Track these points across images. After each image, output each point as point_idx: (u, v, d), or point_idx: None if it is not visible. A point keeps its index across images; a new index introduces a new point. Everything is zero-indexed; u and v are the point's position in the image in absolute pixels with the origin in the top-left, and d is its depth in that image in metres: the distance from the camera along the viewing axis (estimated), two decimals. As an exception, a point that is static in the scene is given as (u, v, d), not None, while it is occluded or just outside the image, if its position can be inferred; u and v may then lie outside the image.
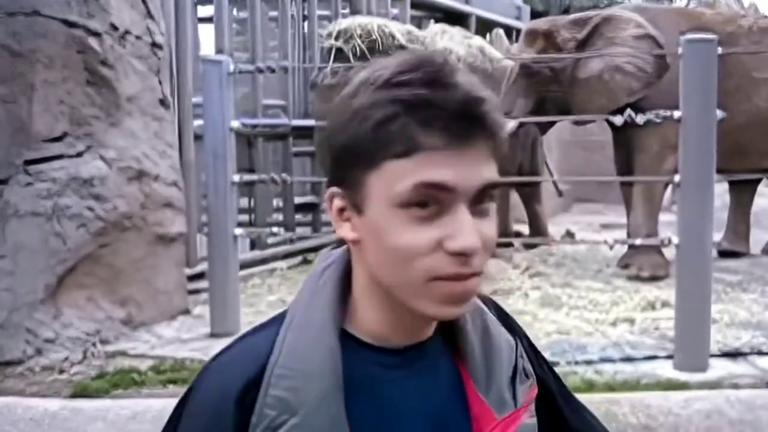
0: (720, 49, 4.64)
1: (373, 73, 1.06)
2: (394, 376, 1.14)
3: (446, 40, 8.05)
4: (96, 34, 5.28)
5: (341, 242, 1.19)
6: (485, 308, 1.24)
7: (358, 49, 7.17)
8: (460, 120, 1.01)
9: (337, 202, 1.10)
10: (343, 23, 7.48)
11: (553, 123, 8.31)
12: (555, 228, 9.65)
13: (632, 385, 4.32)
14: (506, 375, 1.19)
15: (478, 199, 1.04)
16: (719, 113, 4.61)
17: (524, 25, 11.96)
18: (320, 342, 1.10)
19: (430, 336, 1.17)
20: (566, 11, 15.72)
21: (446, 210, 1.03)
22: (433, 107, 1.01)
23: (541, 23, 7.79)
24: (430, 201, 1.02)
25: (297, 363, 1.08)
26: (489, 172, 1.05)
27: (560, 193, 10.47)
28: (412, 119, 1.01)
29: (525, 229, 9.44)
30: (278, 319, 1.16)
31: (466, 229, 1.01)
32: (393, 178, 1.02)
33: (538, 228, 9.18)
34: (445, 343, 1.20)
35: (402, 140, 1.01)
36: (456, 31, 8.40)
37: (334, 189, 1.11)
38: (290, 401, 1.06)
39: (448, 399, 1.16)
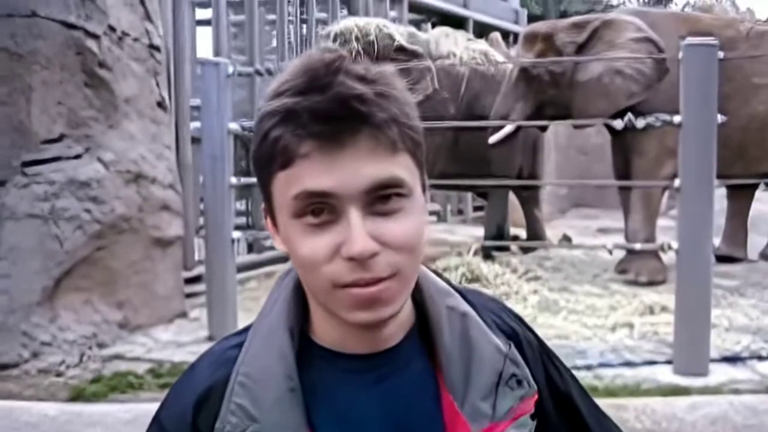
0: (721, 54, 4.63)
1: (273, 83, 1.07)
2: (356, 383, 1.12)
3: (450, 44, 8.04)
4: (94, 36, 5.26)
5: None
6: (471, 312, 1.19)
7: (354, 50, 7.14)
8: (331, 122, 0.98)
9: (268, 216, 1.12)
10: (341, 24, 7.46)
11: (547, 126, 8.30)
12: (551, 232, 9.64)
13: (632, 390, 4.30)
14: (488, 383, 1.14)
15: (378, 199, 1.01)
16: (720, 118, 4.60)
17: (521, 28, 11.98)
18: (273, 349, 1.10)
19: (399, 342, 1.15)
20: (563, 15, 15.74)
21: (338, 215, 1.01)
22: (302, 115, 0.99)
23: (541, 26, 7.78)
24: (322, 207, 1.01)
25: (254, 371, 1.09)
26: (377, 172, 1.00)
27: None
28: (286, 130, 1.00)
29: (521, 233, 9.42)
30: (251, 326, 1.18)
31: (355, 233, 0.99)
32: (282, 190, 1.02)
33: (535, 232, 9.15)
34: (423, 349, 1.17)
35: (279, 152, 1.01)
36: (460, 35, 8.39)
37: (263, 203, 1.12)
38: (249, 409, 1.06)
39: (418, 407, 1.13)
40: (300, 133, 0.99)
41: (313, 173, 0.99)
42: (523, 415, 1.15)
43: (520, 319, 1.30)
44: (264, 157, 1.04)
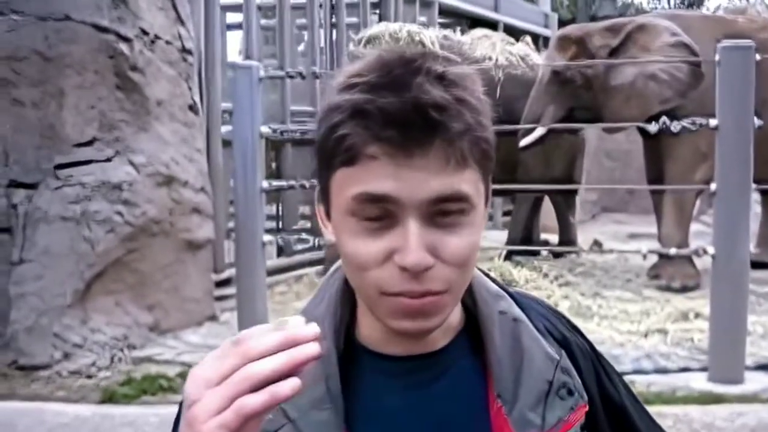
0: (758, 56, 4.56)
1: (342, 73, 1.01)
2: (399, 386, 1.09)
3: (486, 47, 7.99)
4: (126, 39, 5.28)
5: None
6: (523, 317, 1.15)
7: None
8: (404, 128, 0.93)
9: (321, 206, 1.08)
10: (372, 30, 7.45)
11: (578, 130, 8.22)
12: (582, 237, 9.56)
13: (667, 398, 4.24)
14: (538, 392, 1.10)
15: (439, 212, 0.97)
16: (756, 121, 4.53)
17: (551, 32, 11.92)
18: None
19: (447, 345, 1.11)
20: (593, 19, 15.65)
21: (397, 222, 0.96)
22: (373, 115, 0.94)
23: (574, 29, 7.72)
24: (379, 211, 0.96)
25: None
26: (444, 185, 0.96)
27: None
28: (353, 127, 0.95)
29: (552, 238, 9.36)
30: None
31: (412, 244, 0.95)
32: (343, 187, 0.98)
33: (568, 237, 9.09)
34: (472, 353, 1.13)
35: (344, 149, 0.96)
36: (498, 38, 8.34)
37: (318, 191, 1.08)
38: (285, 407, 1.03)
39: (464, 412, 1.10)
40: (369, 134, 0.94)
41: (377, 176, 0.95)
42: (572, 427, 1.12)
43: (573, 326, 1.26)
44: (327, 151, 0.99)
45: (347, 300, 1.12)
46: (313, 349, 0.79)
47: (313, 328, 0.80)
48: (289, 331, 0.79)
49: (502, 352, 1.11)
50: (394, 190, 0.95)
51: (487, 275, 1.17)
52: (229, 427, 0.77)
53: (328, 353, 1.06)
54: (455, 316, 1.12)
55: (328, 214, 1.05)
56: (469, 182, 0.98)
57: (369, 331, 1.11)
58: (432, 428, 1.08)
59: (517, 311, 1.16)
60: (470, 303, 1.13)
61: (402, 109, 0.93)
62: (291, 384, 0.77)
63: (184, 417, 0.81)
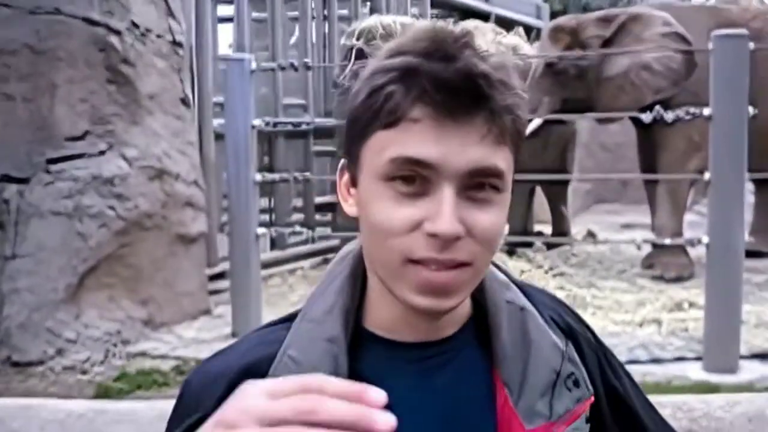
0: (752, 45, 4.55)
1: (389, 43, 1.02)
2: (406, 372, 1.08)
3: (477, 37, 7.96)
4: (117, 32, 5.26)
5: None
6: (529, 306, 1.15)
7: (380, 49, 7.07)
8: (450, 95, 0.94)
9: (345, 177, 1.07)
10: (365, 22, 7.41)
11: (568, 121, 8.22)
12: (575, 228, 9.58)
13: (663, 387, 4.25)
14: (545, 381, 1.09)
15: (474, 185, 0.97)
16: (750, 110, 4.52)
17: (544, 24, 11.90)
18: (324, 332, 1.06)
19: (456, 333, 1.11)
20: (585, 10, 15.64)
21: (431, 189, 0.96)
22: (424, 77, 0.94)
23: (567, 20, 7.72)
24: (415, 177, 0.96)
25: (299, 354, 1.05)
26: (483, 156, 0.96)
27: None
28: (400, 88, 0.95)
29: (546, 229, 9.37)
30: (298, 311, 1.14)
31: (446, 211, 0.94)
32: (379, 149, 0.97)
33: (561, 228, 9.10)
34: (479, 342, 1.12)
35: (387, 110, 0.96)
36: (489, 28, 8.32)
37: (343, 162, 1.08)
38: None
39: (471, 401, 1.09)
40: (416, 96, 0.94)
41: (419, 140, 0.95)
42: (577, 418, 1.11)
43: (578, 317, 1.25)
44: (365, 113, 0.98)
45: (358, 284, 1.11)
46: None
47: (390, 420, 0.71)
48: (365, 412, 0.70)
49: (509, 342, 1.10)
50: (434, 155, 0.95)
51: (495, 264, 1.16)
52: None
53: (337, 337, 1.06)
54: (464, 304, 1.11)
55: (354, 183, 1.04)
56: (504, 160, 0.99)
57: (378, 315, 1.10)
58: (439, 416, 1.08)
59: (524, 301, 1.15)
60: (478, 291, 1.11)
61: (453, 76, 0.94)
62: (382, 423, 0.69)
63: (217, 418, 0.74)
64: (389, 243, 0.98)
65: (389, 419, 0.70)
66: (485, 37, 7.93)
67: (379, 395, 0.72)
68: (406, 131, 0.95)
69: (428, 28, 1.00)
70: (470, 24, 8.24)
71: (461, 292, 1.01)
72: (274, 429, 0.69)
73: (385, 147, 0.96)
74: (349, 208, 1.07)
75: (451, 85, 0.94)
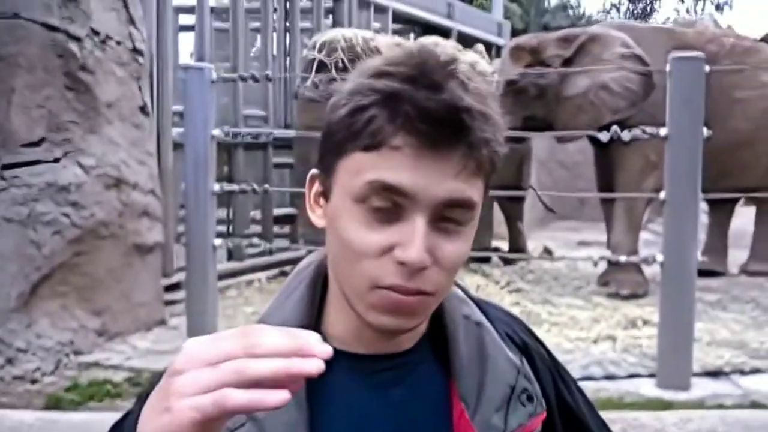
0: (707, 67, 4.63)
1: (374, 60, 1.01)
2: (364, 384, 1.08)
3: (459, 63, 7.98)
4: (77, 39, 5.20)
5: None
6: (486, 322, 1.16)
7: (340, 61, 7.09)
8: (433, 126, 0.93)
9: (315, 186, 1.07)
10: (327, 35, 7.42)
11: (525, 139, 8.29)
12: (532, 244, 9.65)
13: (616, 404, 4.28)
14: (500, 396, 1.10)
15: (445, 217, 0.97)
16: (705, 131, 4.60)
17: (504, 41, 12.00)
18: None
19: (413, 347, 1.11)
20: (545, 29, 15.80)
21: (404, 216, 0.96)
22: (407, 104, 0.94)
23: (528, 39, 7.79)
24: (390, 203, 0.96)
25: None
26: (458, 189, 0.96)
27: (551, 210, 10.33)
28: (383, 113, 0.95)
29: (503, 244, 9.42)
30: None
31: (417, 241, 0.94)
32: (355, 171, 0.97)
33: (518, 244, 9.16)
34: (436, 356, 1.13)
35: (368, 133, 0.95)
36: (449, 45, 8.36)
37: (315, 172, 1.07)
38: None
39: (426, 414, 1.09)
40: (399, 124, 0.94)
41: (397, 167, 0.95)
42: None
43: (532, 334, 1.26)
44: (344, 130, 0.98)
45: (317, 297, 1.11)
46: (315, 367, 0.73)
47: (327, 349, 0.74)
48: (302, 341, 0.74)
49: (466, 356, 1.11)
50: (411, 184, 0.95)
51: None
52: (202, 412, 0.72)
53: None
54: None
55: (325, 196, 1.04)
56: (477, 191, 1.00)
57: (336, 328, 1.10)
58: (395, 428, 1.08)
59: (480, 316, 1.16)
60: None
61: (437, 107, 0.94)
62: (279, 397, 0.72)
63: (162, 384, 0.77)
64: (358, 266, 0.98)
65: (326, 348, 0.74)
66: None
67: (318, 346, 0.74)
68: (386, 157, 0.95)
69: (414, 52, 1.00)
70: (430, 40, 8.29)
71: (424, 315, 1.03)
72: (220, 365, 0.72)
73: (363, 169, 0.96)
74: (317, 219, 1.07)
75: (435, 116, 0.93)
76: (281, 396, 0.72)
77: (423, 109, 0.93)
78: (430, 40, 8.30)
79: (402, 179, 0.94)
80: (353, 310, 1.03)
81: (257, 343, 0.73)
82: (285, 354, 0.73)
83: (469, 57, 8.30)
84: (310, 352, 0.73)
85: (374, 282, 0.97)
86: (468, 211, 0.99)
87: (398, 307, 0.98)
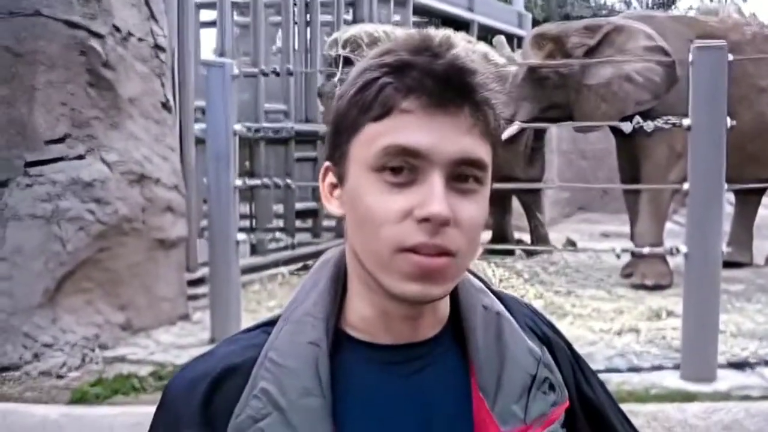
0: (730, 56, 4.59)
1: (378, 48, 1.06)
2: (386, 374, 1.10)
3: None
4: (98, 36, 5.23)
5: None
6: (505, 312, 1.17)
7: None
8: (440, 85, 0.99)
9: (329, 178, 1.09)
10: (349, 31, 7.43)
11: (546, 129, 8.26)
12: (555, 236, 9.61)
13: (640, 396, 4.26)
14: (521, 386, 1.11)
15: (460, 177, 1.01)
16: (729, 121, 4.55)
17: (525, 32, 11.95)
18: (305, 336, 1.08)
19: (434, 336, 1.12)
20: (566, 19, 15.71)
21: (420, 178, 0.99)
22: (413, 70, 0.99)
23: (551, 27, 7.76)
24: (404, 167, 0.99)
25: (282, 358, 1.06)
26: (470, 146, 1.00)
27: None
28: (392, 81, 1.00)
29: (525, 236, 9.39)
30: (276, 317, 1.15)
31: (436, 196, 0.98)
32: (369, 141, 1.01)
33: (539, 236, 9.13)
34: (457, 346, 1.14)
35: (380, 102, 1.00)
36: (459, 37, 8.36)
37: (327, 163, 1.10)
38: (274, 395, 1.04)
39: (448, 403, 1.10)
40: (408, 86, 0.99)
41: (411, 129, 0.99)
42: (552, 423, 1.13)
43: (553, 327, 1.27)
44: (355, 108, 1.02)
45: (339, 288, 1.13)
46: None
47: None
48: None
49: (485, 346, 1.12)
50: (426, 143, 0.98)
51: (470, 271, 1.18)
52: None
53: (319, 340, 1.07)
54: (443, 307, 1.13)
55: (341, 180, 1.07)
56: (487, 154, 1.04)
57: (358, 318, 1.11)
58: (416, 418, 1.09)
59: (500, 306, 1.17)
60: (455, 295, 1.14)
61: (442, 69, 0.99)
62: None
63: None
64: (380, 232, 1.00)
65: None
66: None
67: None
68: (398, 121, 0.99)
69: (413, 32, 1.05)
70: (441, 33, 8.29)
71: (448, 282, 1.04)
72: None
73: (377, 137, 1.00)
74: (334, 208, 1.09)
75: (441, 77, 0.99)
76: None
77: (429, 71, 0.99)
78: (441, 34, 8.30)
79: (415, 140, 0.98)
80: (379, 287, 1.04)
81: None
82: None
83: (480, 48, 8.30)
84: None
85: (398, 245, 0.99)
86: (480, 170, 1.02)
87: (423, 270, 1.00)
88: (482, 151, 1.02)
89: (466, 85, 1.00)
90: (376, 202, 1.00)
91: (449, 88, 0.99)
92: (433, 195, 0.97)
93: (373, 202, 1.00)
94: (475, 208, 1.02)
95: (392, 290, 1.02)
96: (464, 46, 1.12)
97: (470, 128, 1.00)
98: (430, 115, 0.99)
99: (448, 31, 8.38)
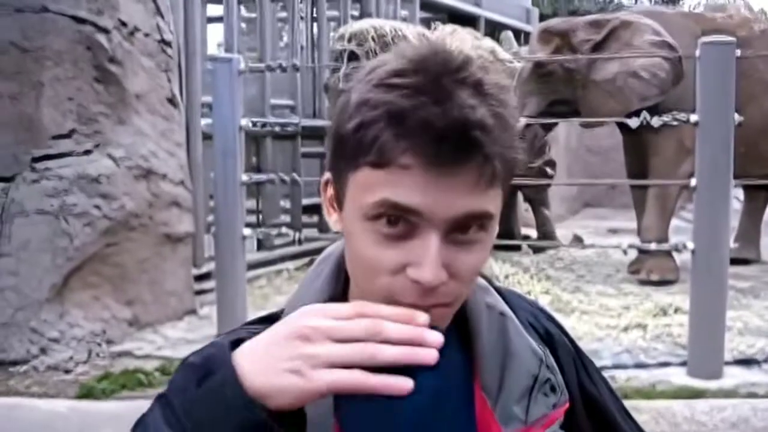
0: (738, 52, 4.56)
1: (377, 65, 0.98)
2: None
3: (456, 42, 7.96)
4: (105, 31, 5.23)
5: None
6: (509, 311, 1.15)
7: (372, 52, 7.07)
8: (442, 142, 0.90)
9: (329, 191, 1.05)
10: (356, 26, 7.41)
11: (556, 123, 8.24)
12: (562, 232, 9.59)
13: (646, 392, 4.25)
14: (523, 387, 1.10)
15: (460, 228, 0.95)
16: (737, 117, 4.53)
17: (532, 27, 11.92)
18: None
19: None
20: (574, 14, 15.67)
21: (416, 233, 0.94)
22: (412, 124, 0.90)
23: (557, 23, 7.74)
24: (398, 219, 0.94)
25: None
26: (472, 204, 0.93)
27: None
28: (390, 130, 0.91)
29: (532, 232, 9.38)
30: (279, 312, 1.13)
31: (430, 260, 0.92)
32: (365, 188, 0.95)
33: (546, 232, 9.11)
34: (461, 345, 1.12)
35: (376, 150, 0.92)
36: (466, 33, 8.34)
37: (328, 176, 1.05)
38: None
39: (452, 404, 1.07)
40: (405, 143, 0.91)
41: (406, 187, 0.92)
42: (552, 424, 1.12)
43: (556, 322, 1.26)
44: (354, 144, 0.95)
45: (340, 284, 1.10)
46: (432, 357, 0.84)
47: (439, 337, 0.85)
48: (419, 331, 0.85)
49: (488, 345, 1.11)
50: (422, 204, 0.92)
51: None
52: (337, 387, 0.84)
53: None
54: None
55: (339, 203, 1.02)
56: (493, 202, 0.97)
57: None
58: (418, 417, 1.07)
59: (503, 305, 1.15)
60: None
61: (445, 124, 0.90)
62: (407, 386, 0.84)
63: (283, 341, 0.86)
64: (374, 281, 0.97)
65: (438, 336, 0.85)
66: (463, 41, 7.94)
67: (425, 319, 0.86)
68: (395, 176, 0.92)
69: (422, 54, 0.96)
70: (448, 28, 8.27)
71: (443, 323, 1.00)
72: (348, 345, 0.84)
73: (372, 187, 0.94)
74: (333, 223, 1.05)
75: (443, 134, 0.90)
76: (408, 385, 0.85)
77: (428, 126, 0.90)
78: (447, 29, 8.27)
79: (412, 200, 0.92)
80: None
81: (383, 329, 0.84)
82: (406, 342, 0.84)
83: (487, 44, 8.27)
84: (427, 341, 0.84)
85: (390, 298, 0.95)
86: (485, 222, 0.97)
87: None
88: (488, 203, 0.96)
89: (473, 143, 0.91)
90: (370, 253, 0.96)
91: (453, 147, 0.90)
92: (426, 258, 0.92)
93: (366, 251, 0.96)
94: (475, 257, 0.97)
95: None
96: (480, 70, 1.01)
97: (475, 183, 0.93)
98: (429, 173, 0.91)
99: (445, 29, 8.39)
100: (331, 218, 1.06)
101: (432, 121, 0.90)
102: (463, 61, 0.96)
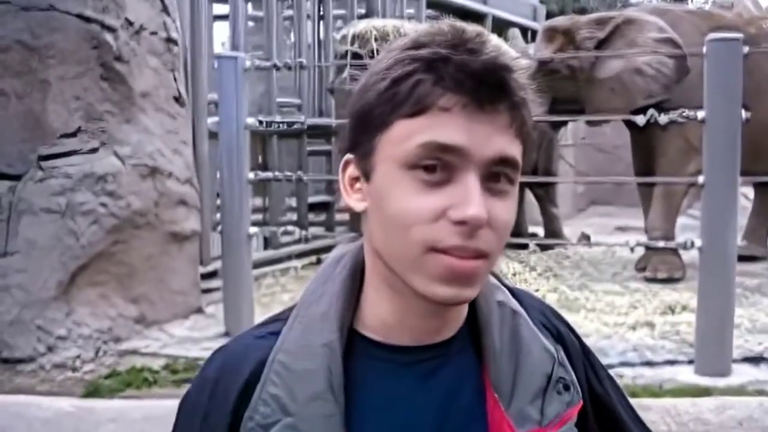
0: (746, 49, 4.54)
1: (402, 39, 1.03)
2: (400, 376, 1.07)
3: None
4: (111, 29, 5.23)
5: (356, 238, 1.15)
6: (521, 310, 1.15)
7: (375, 52, 7.07)
8: (479, 83, 0.96)
9: (350, 170, 1.06)
10: (358, 26, 7.40)
11: (566, 122, 8.22)
12: (569, 230, 9.57)
13: (654, 390, 4.23)
14: (536, 386, 1.09)
15: (493, 176, 0.98)
16: (744, 114, 4.51)
17: (539, 25, 11.90)
18: (318, 339, 1.05)
19: (451, 337, 1.10)
20: (581, 12, 15.64)
21: (455, 177, 0.97)
22: (452, 66, 0.96)
23: (561, 21, 7.73)
24: (438, 165, 0.96)
25: (293, 361, 1.03)
26: (506, 146, 0.98)
27: None
28: (429, 77, 0.96)
29: (539, 230, 9.36)
30: (289, 312, 1.12)
31: (474, 198, 0.95)
32: (402, 138, 0.97)
33: (553, 230, 9.10)
34: (472, 343, 1.12)
35: (415, 98, 0.97)
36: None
37: (349, 156, 1.06)
38: (284, 400, 1.01)
39: (464, 404, 1.08)
40: (446, 85, 0.96)
41: (450, 128, 0.96)
42: (566, 423, 1.11)
43: (564, 321, 1.25)
44: (384, 103, 0.99)
45: (356, 287, 1.10)
46: None
47: None
48: None
49: (500, 345, 1.10)
50: (464, 142, 0.96)
51: None
52: None
53: (332, 342, 1.04)
54: (465, 306, 1.11)
55: (366, 176, 1.03)
56: (519, 153, 1.01)
57: (376, 317, 1.08)
58: (430, 420, 1.06)
59: (515, 303, 1.15)
60: None
61: (481, 67, 0.96)
62: None
63: None
64: (411, 232, 0.97)
65: None
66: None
67: None
68: (436, 119, 0.96)
69: (445, 25, 1.02)
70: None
71: (480, 283, 1.02)
72: None
73: (411, 134, 0.97)
74: (356, 203, 1.06)
75: (479, 75, 0.96)
76: None
77: (468, 69, 0.96)
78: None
79: (455, 138, 0.95)
80: (406, 286, 1.01)
81: None
82: None
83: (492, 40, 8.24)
84: None
85: (430, 245, 0.96)
86: (513, 170, 1.00)
87: (456, 273, 0.97)
88: (516, 151, 1.00)
89: (505, 84, 0.98)
90: (409, 201, 0.97)
91: (488, 86, 0.96)
92: (470, 196, 0.95)
93: (404, 201, 0.97)
94: (507, 208, 1.00)
95: (422, 291, 0.99)
96: (496, 40, 1.06)
97: (506, 127, 0.98)
98: (469, 113, 0.96)
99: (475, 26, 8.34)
100: (352, 198, 1.07)
101: (469, 63, 0.96)
102: (481, 30, 1.02)
